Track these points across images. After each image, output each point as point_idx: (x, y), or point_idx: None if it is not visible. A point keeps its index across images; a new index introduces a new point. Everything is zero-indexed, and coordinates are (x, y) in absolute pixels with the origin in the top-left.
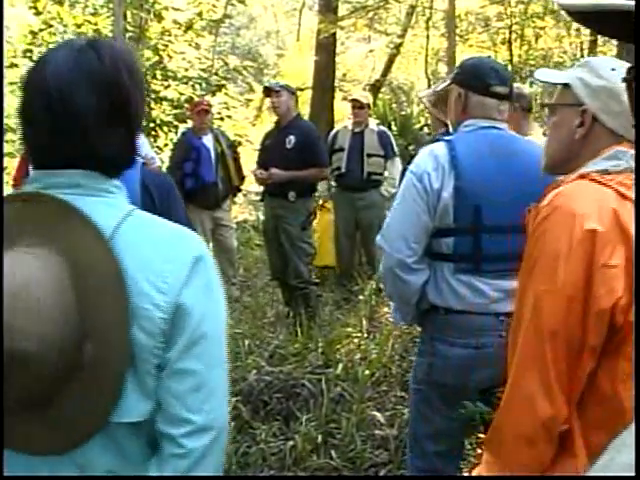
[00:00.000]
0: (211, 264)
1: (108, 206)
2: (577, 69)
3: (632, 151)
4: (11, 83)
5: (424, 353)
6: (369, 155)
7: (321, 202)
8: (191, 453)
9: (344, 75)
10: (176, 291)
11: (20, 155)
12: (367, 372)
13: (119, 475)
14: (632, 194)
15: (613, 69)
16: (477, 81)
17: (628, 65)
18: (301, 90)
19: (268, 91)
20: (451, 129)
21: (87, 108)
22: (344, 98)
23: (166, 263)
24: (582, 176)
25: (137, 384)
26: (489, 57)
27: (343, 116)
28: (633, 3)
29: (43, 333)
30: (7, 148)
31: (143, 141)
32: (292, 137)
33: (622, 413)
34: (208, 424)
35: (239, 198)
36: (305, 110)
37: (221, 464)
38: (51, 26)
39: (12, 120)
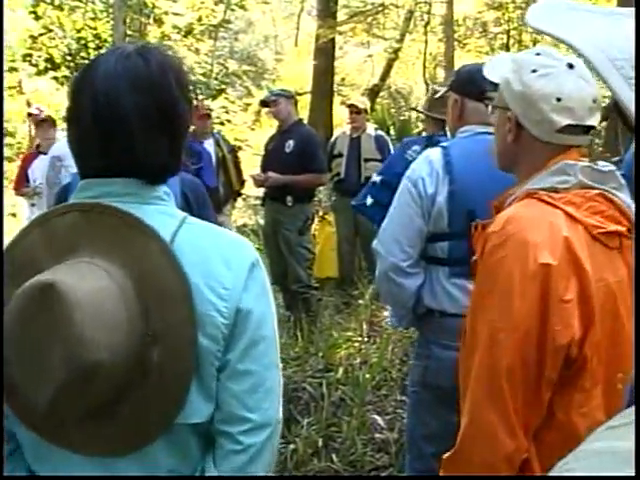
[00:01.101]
0: (263, 268)
1: (163, 214)
2: (511, 64)
3: (581, 163)
4: (10, 87)
5: (420, 356)
6: (366, 160)
7: (321, 213)
8: (248, 449)
9: (343, 80)
10: (236, 297)
11: (20, 159)
12: (367, 376)
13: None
14: (581, 215)
15: (534, 70)
16: (473, 87)
17: (553, 61)
18: (300, 95)
19: (265, 104)
20: (449, 135)
21: (133, 111)
22: (342, 103)
23: (225, 269)
24: (529, 194)
25: (200, 387)
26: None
27: (341, 121)
28: (579, 43)
29: (113, 342)
30: (6, 152)
31: None
32: (291, 142)
33: (577, 439)
34: (265, 422)
35: (238, 202)
36: (304, 115)
37: (273, 460)
38: (51, 31)
39: (11, 124)
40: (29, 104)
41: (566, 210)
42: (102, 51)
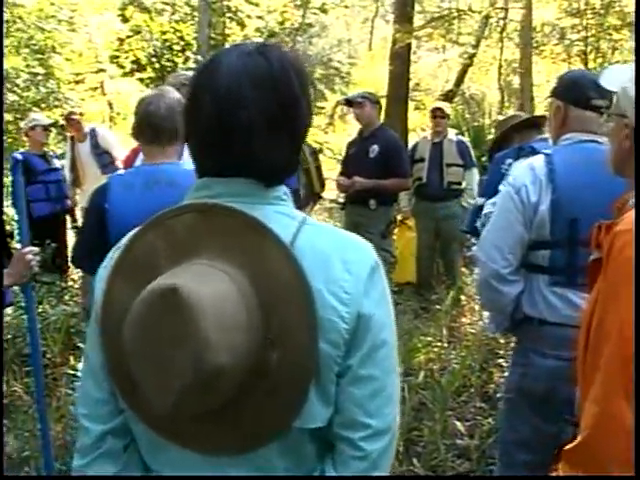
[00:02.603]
0: (383, 270)
1: (283, 215)
2: (629, 73)
3: None
4: (93, 88)
5: (517, 363)
6: (448, 165)
7: (400, 217)
8: (370, 455)
9: (416, 85)
10: (357, 302)
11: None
12: (448, 381)
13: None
14: None
15: None
16: (577, 94)
17: None
18: None
19: (350, 103)
20: (551, 142)
21: (255, 107)
22: (417, 108)
23: (346, 273)
24: None
25: (319, 392)
26: (590, 70)
27: (415, 125)
28: None
29: (234, 345)
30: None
31: None
32: (375, 147)
33: None
34: (385, 428)
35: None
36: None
37: (390, 465)
38: (138, 33)
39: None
40: (111, 105)
41: None
42: (187, 53)
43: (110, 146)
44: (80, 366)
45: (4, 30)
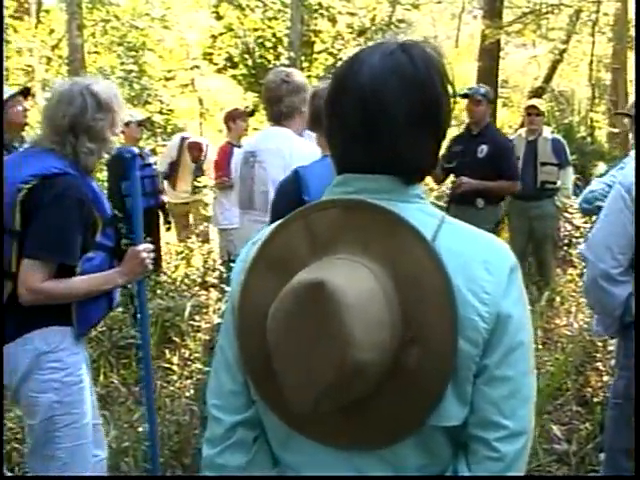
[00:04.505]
0: (520, 271)
1: (423, 213)
2: None
3: None
4: (184, 85)
5: (625, 367)
6: (543, 164)
7: None
8: (505, 457)
9: (504, 82)
10: (497, 302)
11: (220, 147)
12: (545, 384)
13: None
14: None
15: None
16: None
17: None
18: None
19: (466, 97)
20: None
21: (400, 107)
22: (504, 105)
23: (485, 273)
24: None
25: (456, 390)
26: None
27: (503, 123)
28: None
29: (377, 343)
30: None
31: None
32: (484, 147)
33: None
34: (521, 430)
35: None
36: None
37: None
38: (232, 30)
39: (180, 120)
40: (201, 102)
41: None
42: (279, 49)
43: (209, 166)
44: (175, 359)
45: (97, 29)
